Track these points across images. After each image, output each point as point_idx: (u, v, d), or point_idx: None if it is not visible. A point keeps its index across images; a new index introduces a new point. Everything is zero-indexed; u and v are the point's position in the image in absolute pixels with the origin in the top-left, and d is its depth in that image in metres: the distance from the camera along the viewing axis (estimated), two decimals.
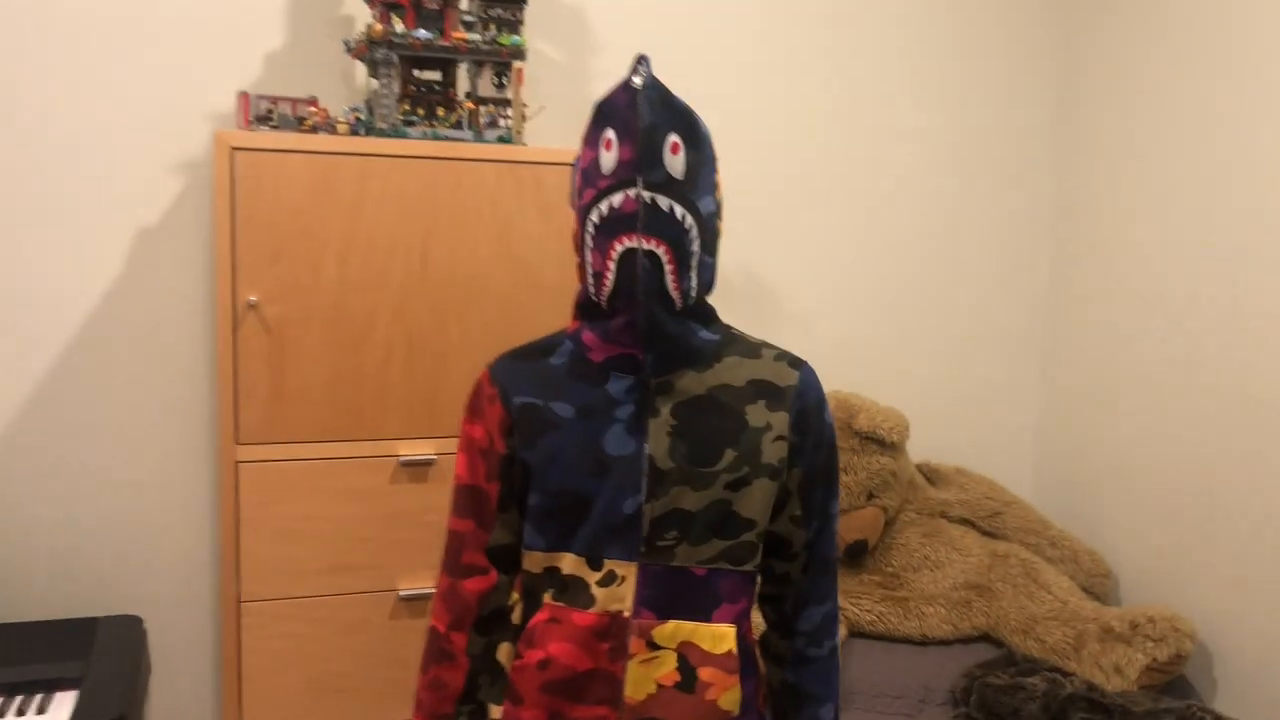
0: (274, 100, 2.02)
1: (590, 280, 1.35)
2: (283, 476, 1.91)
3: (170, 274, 2.20)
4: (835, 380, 2.73)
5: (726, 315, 2.63)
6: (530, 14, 2.32)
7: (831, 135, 2.65)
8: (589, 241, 1.34)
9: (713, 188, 1.38)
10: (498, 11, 2.03)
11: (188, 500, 2.27)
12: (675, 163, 1.30)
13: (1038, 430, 2.91)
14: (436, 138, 2.00)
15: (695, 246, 1.33)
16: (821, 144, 2.65)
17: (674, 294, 1.31)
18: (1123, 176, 2.60)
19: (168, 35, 2.17)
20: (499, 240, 1.98)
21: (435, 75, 2.09)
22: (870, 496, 2.44)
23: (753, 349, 1.44)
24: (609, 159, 1.30)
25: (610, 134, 1.30)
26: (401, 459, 1.96)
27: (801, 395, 1.41)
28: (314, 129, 1.96)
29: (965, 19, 2.71)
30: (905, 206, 2.74)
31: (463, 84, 2.14)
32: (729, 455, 1.34)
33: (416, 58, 2.02)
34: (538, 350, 1.44)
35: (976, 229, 2.81)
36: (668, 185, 1.29)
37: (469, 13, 2.06)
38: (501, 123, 2.07)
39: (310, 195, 1.88)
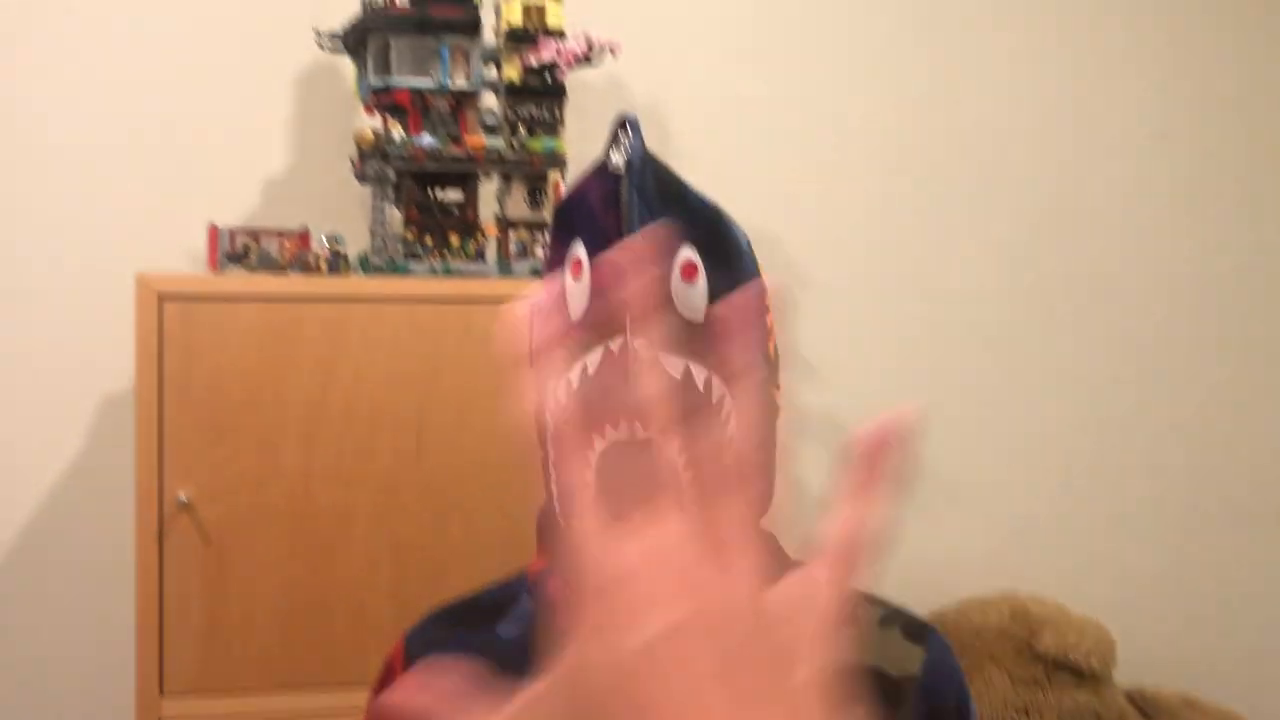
0: (254, 235, 1.57)
1: (556, 494, 0.82)
2: None
3: (94, 466, 1.74)
4: (1011, 579, 2.05)
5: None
6: (577, 109, 1.80)
7: (1002, 214, 2.06)
8: (553, 431, 0.81)
9: (761, 335, 0.83)
10: (529, 110, 1.55)
11: None
12: (691, 295, 0.77)
13: None
14: (448, 272, 1.51)
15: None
16: (988, 230, 2.05)
17: None
18: None
19: (137, 163, 1.77)
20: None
21: (458, 195, 1.62)
22: None
23: None
24: (579, 293, 0.77)
25: (580, 251, 0.77)
26: None
27: (931, 689, 0.84)
28: (283, 268, 1.50)
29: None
30: (1101, 333, 2.09)
31: (491, 204, 1.66)
32: None
33: (426, 174, 1.55)
34: (481, 609, 0.89)
35: (1205, 366, 2.13)
36: (680, 335, 0.76)
37: (492, 112, 1.59)
38: (538, 251, 1.57)
39: (266, 355, 1.40)
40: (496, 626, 0.87)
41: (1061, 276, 2.08)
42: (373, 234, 1.52)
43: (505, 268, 1.54)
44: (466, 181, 1.58)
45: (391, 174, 1.50)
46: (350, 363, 1.41)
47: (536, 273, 1.54)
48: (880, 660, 0.83)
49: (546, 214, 1.58)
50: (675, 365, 0.76)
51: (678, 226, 0.78)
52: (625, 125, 0.79)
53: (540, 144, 1.53)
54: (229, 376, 1.39)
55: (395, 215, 1.58)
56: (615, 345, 0.76)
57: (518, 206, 1.58)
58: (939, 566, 2.04)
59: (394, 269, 1.50)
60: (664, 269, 0.77)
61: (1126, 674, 2.09)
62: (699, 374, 0.77)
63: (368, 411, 1.42)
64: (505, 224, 1.57)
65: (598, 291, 0.77)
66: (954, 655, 0.87)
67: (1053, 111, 2.08)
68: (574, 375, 0.78)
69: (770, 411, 0.85)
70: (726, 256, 0.81)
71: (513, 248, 1.56)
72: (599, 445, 0.76)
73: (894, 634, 0.85)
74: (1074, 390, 2.09)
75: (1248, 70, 2.13)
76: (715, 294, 0.79)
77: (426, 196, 1.58)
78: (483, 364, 1.45)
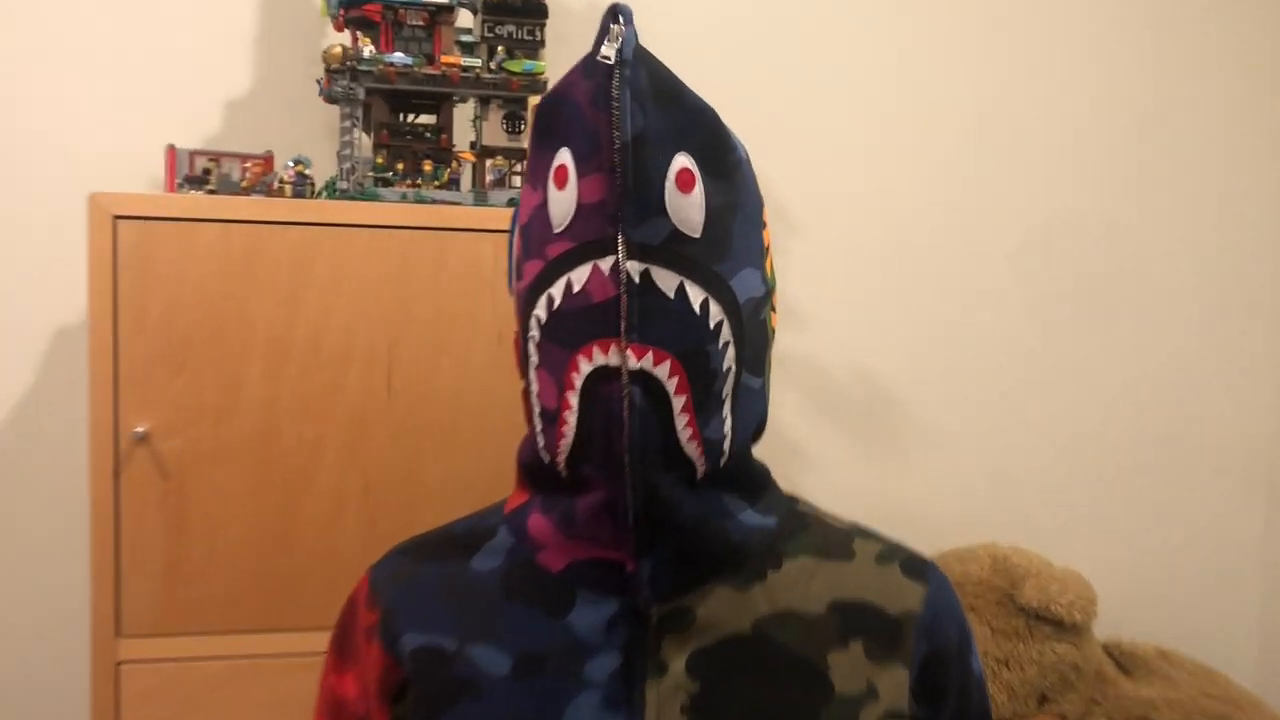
0: (215, 157, 1.49)
1: (538, 423, 0.75)
2: (183, 683, 1.32)
3: (46, 398, 1.67)
4: (991, 531, 2.02)
5: (834, 445, 1.97)
6: (558, 28, 1.69)
7: (989, 166, 2.01)
8: (533, 354, 0.74)
9: (759, 253, 0.75)
10: (509, 29, 1.47)
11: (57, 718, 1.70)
12: (687, 206, 0.68)
13: (1265, 593, 2.15)
14: (420, 200, 1.44)
15: (728, 361, 0.71)
16: (976, 180, 2.01)
17: (690, 450, 0.69)
18: None
19: (91, 82, 1.67)
20: (500, 342, 1.39)
21: (431, 119, 1.54)
22: (1043, 700, 1.73)
23: (838, 542, 0.80)
24: (563, 202, 0.70)
25: (565, 157, 0.70)
26: None
27: (931, 629, 0.78)
28: (246, 190, 1.42)
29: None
30: (1083, 283, 2.06)
31: (466, 131, 1.58)
32: None
33: (397, 93, 1.47)
34: (454, 542, 0.83)
35: (1180, 320, 2.11)
36: (674, 249, 0.68)
37: (468, 31, 1.51)
38: (515, 181, 1.50)
39: (228, 282, 1.32)
40: (470, 560, 0.81)
41: (1041, 229, 2.05)
42: (340, 158, 1.44)
43: (481, 197, 1.47)
44: (441, 104, 1.50)
45: (361, 93, 1.41)
46: (317, 291, 1.34)
47: (514, 202, 1.47)
48: (877, 597, 0.78)
49: (525, 141, 1.51)
50: (669, 283, 0.69)
51: (674, 129, 0.70)
52: (617, 14, 0.70)
53: (520, 66, 1.45)
54: (188, 304, 1.31)
55: (365, 139, 1.50)
56: (605, 261, 0.68)
57: (495, 133, 1.50)
58: (921, 518, 2.01)
59: (363, 195, 1.43)
60: (658, 176, 0.69)
61: (1103, 626, 2.08)
62: (695, 294, 0.69)
63: (336, 342, 1.35)
64: (481, 151, 1.50)
65: (585, 201, 0.69)
66: (955, 593, 0.82)
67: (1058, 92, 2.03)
68: (557, 291, 0.70)
69: (767, 335, 0.79)
70: (724, 167, 0.73)
71: (489, 176, 1.49)
72: (584, 369, 0.69)
73: (893, 570, 0.80)
74: (1056, 344, 2.06)
75: (1259, 71, 2.09)
76: (712, 206, 0.71)
77: (398, 119, 1.50)
78: (457, 296, 1.38)
